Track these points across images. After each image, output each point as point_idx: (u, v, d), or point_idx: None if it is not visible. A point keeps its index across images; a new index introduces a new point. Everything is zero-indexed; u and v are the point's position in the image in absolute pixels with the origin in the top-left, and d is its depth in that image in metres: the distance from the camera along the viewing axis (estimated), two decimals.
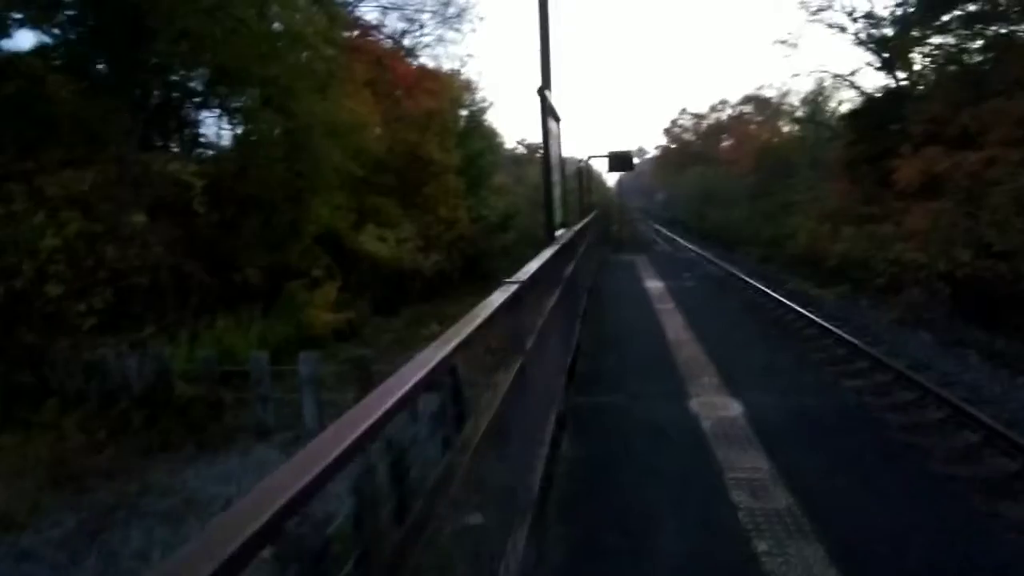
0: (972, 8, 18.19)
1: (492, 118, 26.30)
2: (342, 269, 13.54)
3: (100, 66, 11.71)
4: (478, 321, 1.76)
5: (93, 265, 8.77)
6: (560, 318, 4.48)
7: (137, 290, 9.27)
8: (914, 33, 20.02)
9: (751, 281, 15.00)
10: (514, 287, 2.43)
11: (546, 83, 6.81)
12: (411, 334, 10.70)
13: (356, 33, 18.80)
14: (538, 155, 40.24)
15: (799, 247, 19.40)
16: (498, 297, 2.18)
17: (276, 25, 12.72)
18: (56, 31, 11.32)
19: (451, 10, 22.07)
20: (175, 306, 9.56)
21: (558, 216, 5.16)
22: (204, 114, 13.61)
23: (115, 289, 8.85)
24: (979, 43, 18.23)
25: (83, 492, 6.13)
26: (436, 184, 17.64)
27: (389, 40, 21.22)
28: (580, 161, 19.54)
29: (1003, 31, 16.78)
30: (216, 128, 13.74)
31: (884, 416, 6.55)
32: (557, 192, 4.93)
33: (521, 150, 37.20)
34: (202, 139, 13.54)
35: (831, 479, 3.60)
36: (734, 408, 4.70)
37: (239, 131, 13.34)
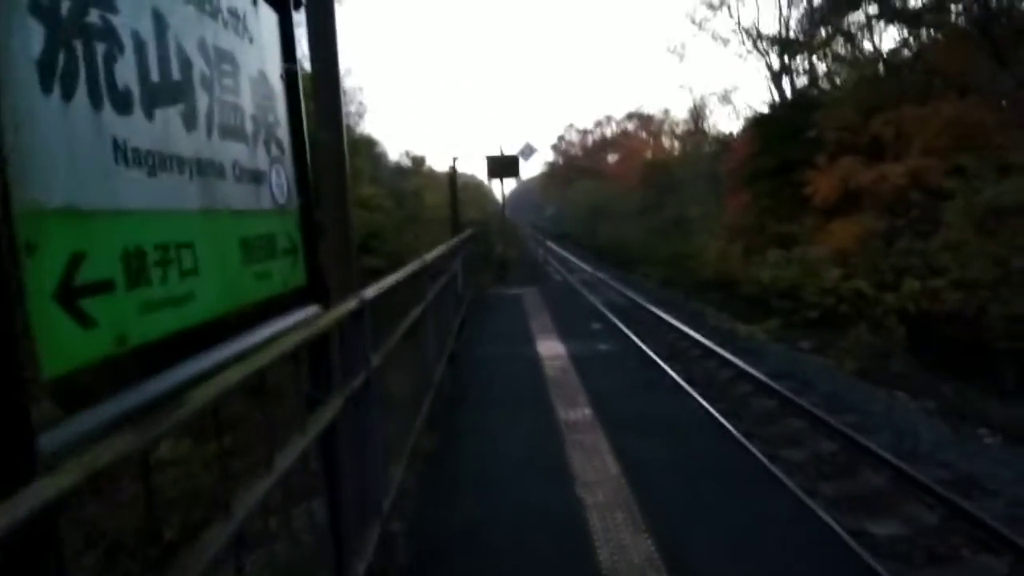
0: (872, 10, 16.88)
1: (372, 127, 23.20)
2: None
3: None
4: None
5: None
6: None
7: None
8: (821, 32, 18.67)
9: (666, 317, 12.16)
10: None
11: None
12: None
13: None
14: (424, 169, 36.44)
15: (709, 268, 17.10)
16: None
17: None
18: None
19: None
20: None
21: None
22: None
23: None
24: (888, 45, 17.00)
25: None
26: None
27: None
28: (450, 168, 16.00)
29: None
30: None
31: None
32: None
33: (406, 163, 33.68)
34: None
35: None
36: None
37: None
